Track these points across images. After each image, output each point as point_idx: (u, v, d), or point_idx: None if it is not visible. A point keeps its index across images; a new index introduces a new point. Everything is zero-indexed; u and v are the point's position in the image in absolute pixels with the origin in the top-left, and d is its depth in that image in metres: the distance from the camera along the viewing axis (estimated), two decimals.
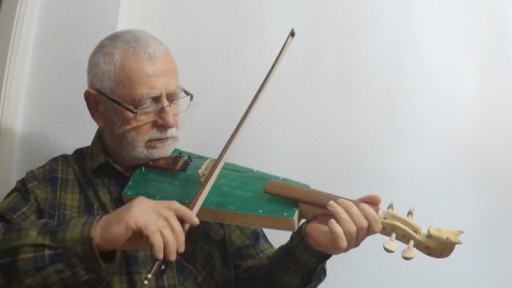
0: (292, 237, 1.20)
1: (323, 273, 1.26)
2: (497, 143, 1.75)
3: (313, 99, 1.78)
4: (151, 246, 1.00)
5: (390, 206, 1.14)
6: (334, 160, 1.76)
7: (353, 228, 1.07)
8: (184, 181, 1.22)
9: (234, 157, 1.35)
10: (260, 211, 1.14)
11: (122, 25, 1.65)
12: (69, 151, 1.39)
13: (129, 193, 1.22)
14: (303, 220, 1.18)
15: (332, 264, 1.71)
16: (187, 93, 1.30)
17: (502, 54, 1.76)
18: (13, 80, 1.62)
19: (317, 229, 1.12)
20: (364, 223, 1.08)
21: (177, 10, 1.81)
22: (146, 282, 0.99)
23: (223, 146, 1.57)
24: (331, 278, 1.68)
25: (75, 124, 1.64)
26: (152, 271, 1.00)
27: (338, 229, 1.07)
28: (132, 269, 1.18)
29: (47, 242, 1.02)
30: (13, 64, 1.62)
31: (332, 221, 1.08)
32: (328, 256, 1.18)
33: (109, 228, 1.01)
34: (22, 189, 1.24)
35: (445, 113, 1.77)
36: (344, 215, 1.08)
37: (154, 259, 1.00)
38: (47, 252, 1.02)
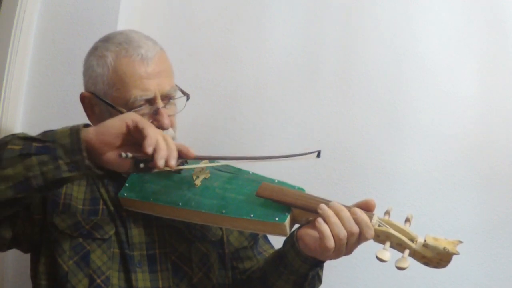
0: (284, 242, 1.18)
1: (318, 280, 1.24)
2: (497, 143, 1.75)
3: (313, 99, 1.78)
4: (143, 139, 1.00)
5: (387, 213, 1.11)
6: (334, 160, 1.76)
7: (342, 233, 1.05)
8: (178, 183, 1.21)
9: (233, 155, 1.35)
10: (252, 215, 1.11)
11: (122, 25, 1.65)
12: None
13: (125, 194, 1.21)
14: (296, 226, 1.15)
15: (332, 264, 1.71)
16: (183, 93, 1.28)
17: (502, 53, 1.76)
18: (13, 80, 1.62)
19: (308, 233, 1.10)
20: (354, 228, 1.05)
21: (177, 10, 1.81)
22: (124, 154, 1.01)
23: (222, 146, 1.58)
24: (331, 278, 1.68)
25: (75, 124, 1.63)
26: (137, 156, 1.02)
27: (325, 227, 1.05)
28: (129, 267, 1.18)
29: (37, 137, 1.04)
30: (13, 64, 1.62)
31: (319, 219, 1.06)
32: (319, 262, 1.15)
33: (104, 124, 1.04)
34: None
35: (445, 113, 1.76)
36: (333, 219, 1.05)
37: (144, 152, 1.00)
38: (35, 144, 1.02)
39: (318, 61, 1.79)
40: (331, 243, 1.05)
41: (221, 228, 1.32)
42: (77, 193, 1.24)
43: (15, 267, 1.62)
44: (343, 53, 1.79)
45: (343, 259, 1.70)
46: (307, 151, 1.19)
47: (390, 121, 1.77)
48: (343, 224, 1.05)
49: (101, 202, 1.23)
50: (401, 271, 1.72)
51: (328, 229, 1.05)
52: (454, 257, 1.69)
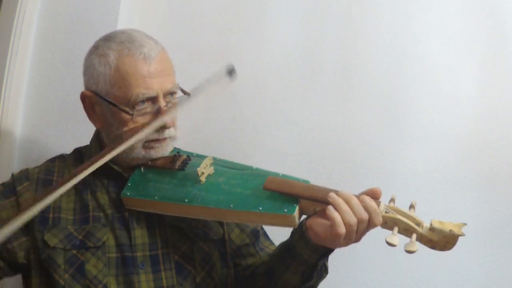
0: (292, 233, 1.19)
1: (324, 270, 1.25)
2: (497, 143, 1.76)
3: (313, 99, 1.78)
4: None
5: (392, 200, 1.13)
6: (334, 160, 1.76)
7: (353, 220, 1.06)
8: (182, 180, 1.21)
9: (234, 157, 1.35)
10: (260, 208, 1.13)
11: (122, 25, 1.65)
12: (69, 151, 1.39)
13: (128, 194, 1.21)
14: (304, 217, 1.16)
15: (332, 264, 1.71)
16: (184, 92, 1.28)
17: (502, 53, 1.76)
18: (13, 80, 1.62)
19: (317, 222, 1.11)
20: (364, 215, 1.07)
21: (177, 10, 1.81)
22: None
23: (223, 146, 1.57)
24: (331, 278, 1.67)
25: (75, 124, 1.64)
26: None
27: (336, 214, 1.06)
28: (130, 270, 1.18)
29: None
30: (13, 64, 1.62)
31: (330, 207, 1.07)
32: (329, 251, 1.16)
33: None
34: (8, 187, 1.25)
35: (445, 113, 1.77)
36: (344, 207, 1.07)
37: None
38: None
39: (318, 61, 1.79)
40: (342, 229, 1.06)
41: (222, 227, 1.32)
42: (66, 204, 1.24)
43: None
44: (343, 53, 1.79)
45: (343, 258, 1.70)
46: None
47: (390, 121, 1.77)
48: (353, 212, 1.07)
49: (90, 209, 1.23)
50: (399, 272, 1.73)
51: (339, 216, 1.07)
52: (455, 257, 1.69)
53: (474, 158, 1.75)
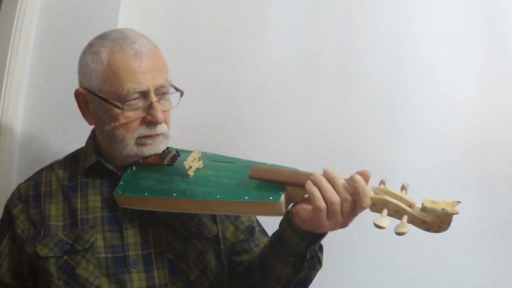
0: (281, 222, 1.17)
1: (317, 262, 1.21)
2: (497, 143, 1.75)
3: (313, 99, 1.78)
4: None
5: (382, 182, 1.10)
6: (334, 160, 1.76)
7: (335, 198, 1.03)
8: (171, 175, 1.21)
9: (233, 156, 1.35)
10: (246, 198, 1.11)
11: (122, 25, 1.65)
12: (69, 151, 1.40)
13: (120, 192, 1.22)
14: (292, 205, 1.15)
15: (332, 264, 1.71)
16: (177, 89, 1.28)
17: (501, 53, 1.76)
18: (13, 80, 1.62)
19: (302, 207, 1.09)
20: (347, 195, 1.04)
21: (177, 10, 1.81)
22: None
23: (223, 146, 1.56)
24: (331, 278, 1.68)
25: (75, 124, 1.64)
26: None
27: (314, 189, 1.04)
28: (122, 269, 1.18)
29: None
30: (13, 64, 1.62)
31: (309, 181, 1.05)
32: (317, 239, 1.12)
33: None
34: (5, 219, 1.27)
35: (445, 113, 1.77)
36: (326, 184, 1.04)
37: None
38: None
39: (318, 61, 1.79)
40: (321, 203, 1.03)
41: (216, 225, 1.32)
42: (55, 211, 1.25)
43: None
44: (343, 53, 1.79)
45: (343, 258, 1.70)
46: None
47: (390, 121, 1.77)
48: (337, 190, 1.04)
49: (79, 213, 1.23)
50: (399, 272, 1.73)
51: (318, 191, 1.04)
52: (455, 257, 1.69)
53: (474, 158, 1.75)
